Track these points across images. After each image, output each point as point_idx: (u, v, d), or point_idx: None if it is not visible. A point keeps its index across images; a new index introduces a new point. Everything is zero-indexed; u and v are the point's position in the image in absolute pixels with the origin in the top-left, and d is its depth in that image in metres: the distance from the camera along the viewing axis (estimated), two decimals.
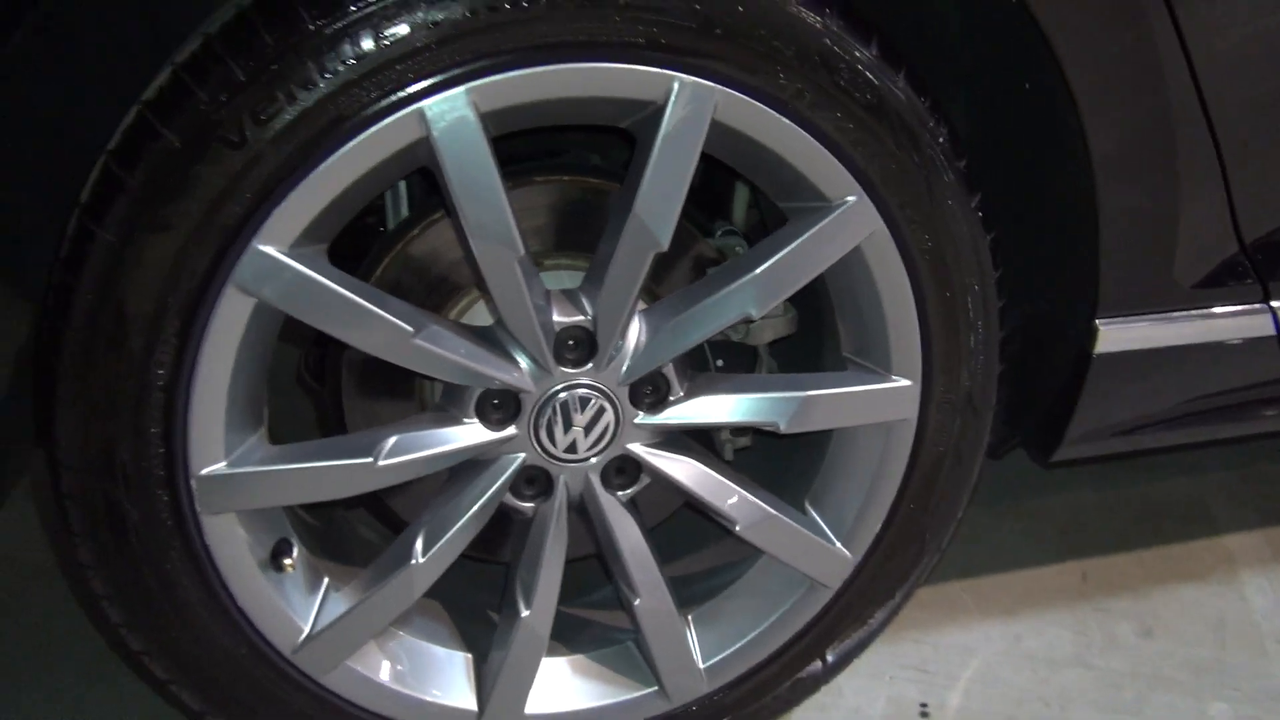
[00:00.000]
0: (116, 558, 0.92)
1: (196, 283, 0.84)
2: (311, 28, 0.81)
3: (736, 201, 1.24)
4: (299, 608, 1.01)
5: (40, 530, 1.38)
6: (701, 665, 1.13)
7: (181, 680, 0.99)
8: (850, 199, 0.96)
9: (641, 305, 1.01)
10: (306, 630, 1.00)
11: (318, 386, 1.17)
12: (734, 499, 1.07)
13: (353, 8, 0.80)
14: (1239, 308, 1.12)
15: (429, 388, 1.10)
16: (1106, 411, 1.15)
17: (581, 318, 0.98)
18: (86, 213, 0.83)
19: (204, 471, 0.91)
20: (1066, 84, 0.95)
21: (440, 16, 0.80)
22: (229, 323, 0.87)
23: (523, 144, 1.03)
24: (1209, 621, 1.46)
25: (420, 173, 0.92)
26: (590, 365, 0.99)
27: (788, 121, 0.92)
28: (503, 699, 1.07)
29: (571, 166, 1.11)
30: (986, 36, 1.04)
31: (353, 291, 0.89)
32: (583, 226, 1.08)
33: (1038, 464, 1.24)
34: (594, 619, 1.20)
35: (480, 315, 1.07)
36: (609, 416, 1.01)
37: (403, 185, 1.13)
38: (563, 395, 0.99)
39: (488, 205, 0.88)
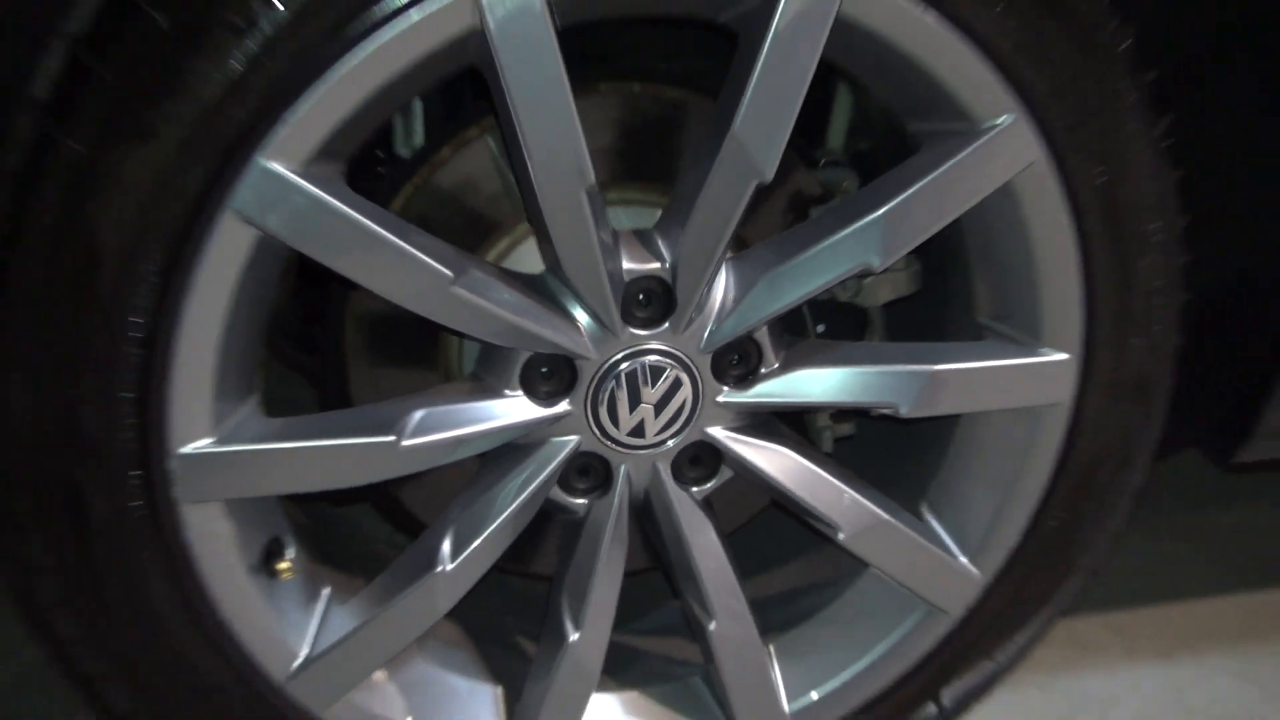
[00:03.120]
0: (72, 555, 0.93)
1: (186, 207, 0.85)
2: None
3: (835, 121, 1.25)
4: (295, 624, 1.03)
5: None
6: (787, 707, 1.17)
7: (146, 713, 1.01)
8: (1004, 119, 0.97)
9: (729, 253, 1.02)
10: (304, 653, 1.03)
11: (300, 353, 1.21)
12: (837, 499, 1.09)
13: None
14: None
15: (458, 351, 1.12)
16: None
17: (657, 265, 1.00)
18: (46, 113, 0.84)
19: (186, 449, 0.92)
20: None
21: None
22: (224, 260, 0.88)
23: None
24: None
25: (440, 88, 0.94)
26: (665, 326, 1.01)
27: (932, 17, 0.92)
28: None
29: (641, 72, 1.11)
30: None
31: (380, 224, 0.90)
32: (655, 149, 1.10)
33: (1215, 465, 1.27)
34: (653, 649, 1.25)
35: (524, 261, 1.09)
36: (686, 392, 1.03)
37: (418, 104, 1.15)
38: (629, 364, 1.01)
39: (553, 116, 0.89)
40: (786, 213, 1.15)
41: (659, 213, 1.05)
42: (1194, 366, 1.17)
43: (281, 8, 0.83)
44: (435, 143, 1.10)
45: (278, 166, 0.86)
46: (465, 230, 1.09)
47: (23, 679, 1.34)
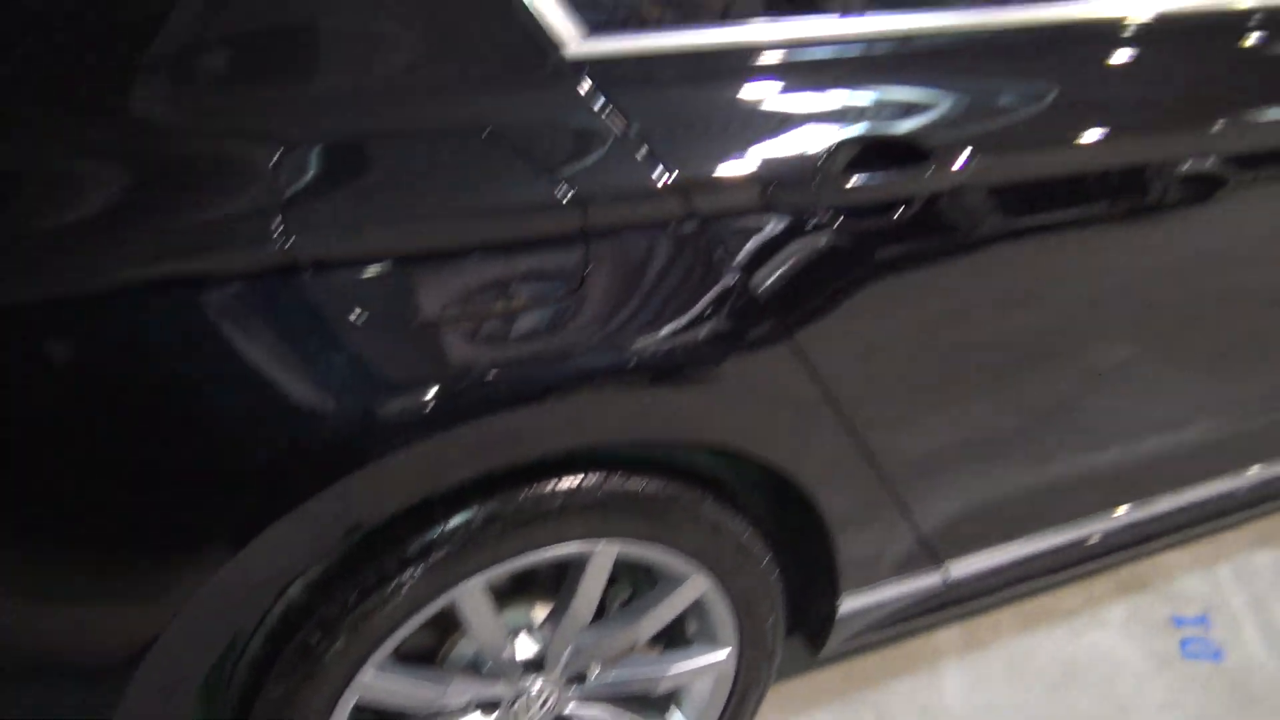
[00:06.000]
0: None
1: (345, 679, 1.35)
2: (398, 582, 1.38)
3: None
4: None
5: None
6: None
7: None
8: (697, 574, 1.50)
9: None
10: None
11: None
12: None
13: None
14: (922, 571, 1.86)
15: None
16: (849, 634, 1.83)
17: (537, 649, 1.49)
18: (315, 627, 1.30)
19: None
20: (817, 509, 1.58)
21: (452, 550, 1.28)
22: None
23: None
24: (915, 711, 2.02)
25: None
26: (542, 672, 1.50)
27: (662, 550, 1.53)
28: None
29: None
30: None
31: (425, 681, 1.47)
32: (531, 580, 1.50)
33: (810, 655, 1.88)
34: None
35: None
36: (555, 694, 1.52)
37: None
38: (528, 689, 1.49)
39: (491, 634, 1.44)
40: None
41: (533, 608, 1.48)
42: (798, 620, 1.82)
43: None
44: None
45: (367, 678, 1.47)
46: (444, 629, 1.43)
47: None
